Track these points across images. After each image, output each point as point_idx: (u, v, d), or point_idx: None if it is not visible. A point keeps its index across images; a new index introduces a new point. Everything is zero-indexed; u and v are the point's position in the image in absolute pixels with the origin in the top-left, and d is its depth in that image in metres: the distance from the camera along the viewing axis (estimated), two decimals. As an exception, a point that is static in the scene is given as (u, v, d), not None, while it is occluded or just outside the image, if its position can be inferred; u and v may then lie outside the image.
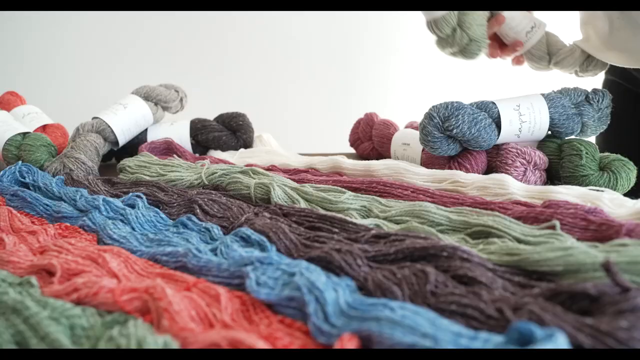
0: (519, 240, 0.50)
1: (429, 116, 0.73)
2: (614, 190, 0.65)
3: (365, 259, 0.48)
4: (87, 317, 0.41)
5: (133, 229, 0.60)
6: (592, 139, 0.81)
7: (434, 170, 0.69)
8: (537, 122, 0.74)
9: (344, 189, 0.65)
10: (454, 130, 0.71)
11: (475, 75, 1.49)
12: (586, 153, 0.72)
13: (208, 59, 1.70)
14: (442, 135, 0.73)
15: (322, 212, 0.57)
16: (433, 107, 0.74)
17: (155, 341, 0.35)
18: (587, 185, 0.69)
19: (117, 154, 0.96)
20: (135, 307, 0.42)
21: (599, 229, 0.50)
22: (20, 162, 0.76)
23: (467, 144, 0.73)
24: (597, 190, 0.60)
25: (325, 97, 1.32)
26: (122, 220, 0.61)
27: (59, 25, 1.62)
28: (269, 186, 0.65)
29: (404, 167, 0.71)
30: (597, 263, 0.41)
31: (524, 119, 0.73)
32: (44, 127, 0.95)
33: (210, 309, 0.41)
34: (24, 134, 0.85)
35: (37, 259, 0.51)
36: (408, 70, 1.54)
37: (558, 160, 0.74)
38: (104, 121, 0.86)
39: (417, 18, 0.89)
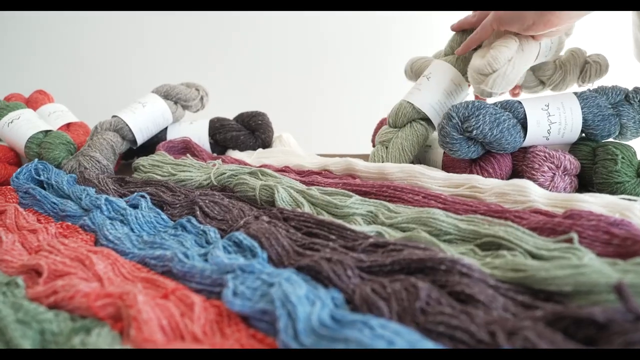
0: (532, 254, 0.45)
1: (447, 116, 0.69)
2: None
3: (357, 269, 0.44)
4: (59, 322, 0.40)
5: (132, 229, 0.58)
6: (633, 143, 0.74)
7: (450, 174, 0.65)
8: (569, 123, 0.68)
9: (351, 193, 0.61)
10: (474, 132, 0.66)
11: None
12: (622, 158, 0.65)
13: (236, 58, 1.70)
14: (461, 136, 0.68)
15: (321, 217, 0.54)
16: (453, 106, 0.69)
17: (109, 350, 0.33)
18: (621, 193, 0.63)
19: (139, 152, 0.96)
20: (108, 314, 0.40)
21: (622, 244, 0.45)
22: (36, 159, 0.77)
23: (490, 147, 0.68)
24: (630, 200, 0.54)
25: (349, 96, 1.29)
26: (121, 221, 0.60)
27: (91, 25, 1.66)
28: (274, 188, 0.63)
29: (419, 170, 0.66)
30: (611, 284, 0.36)
31: (554, 119, 0.68)
32: (68, 126, 0.96)
33: (183, 319, 0.39)
34: (46, 131, 0.86)
35: (27, 259, 0.50)
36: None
37: (591, 165, 0.68)
38: (122, 120, 0.86)
39: (446, 18, 0.85)
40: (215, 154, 0.91)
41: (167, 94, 0.92)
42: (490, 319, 0.36)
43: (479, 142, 0.68)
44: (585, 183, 0.71)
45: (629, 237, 0.44)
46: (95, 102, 1.38)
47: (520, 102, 0.69)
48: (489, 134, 0.66)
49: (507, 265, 0.42)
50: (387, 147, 0.77)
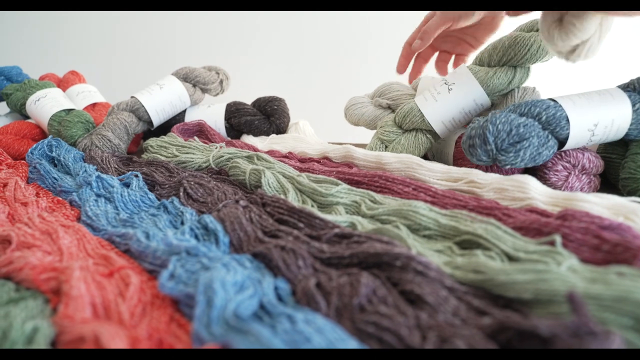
0: (509, 255, 0.41)
1: (483, 136, 0.57)
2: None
3: (314, 259, 0.42)
4: (1, 293, 0.40)
5: (116, 207, 0.59)
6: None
7: (450, 167, 0.60)
8: (609, 138, 0.60)
9: (338, 181, 0.58)
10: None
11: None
12: None
13: (261, 43, 1.70)
14: (489, 160, 0.59)
15: (293, 204, 0.52)
16: (492, 123, 0.56)
17: (23, 327, 0.33)
18: (647, 193, 0.56)
19: (157, 134, 0.97)
20: (50, 287, 0.40)
21: (613, 250, 0.39)
22: (51, 136, 0.79)
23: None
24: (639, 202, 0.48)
25: (374, 85, 1.24)
26: (108, 199, 0.60)
27: (131, 12, 1.71)
28: (261, 173, 0.61)
29: (417, 162, 0.62)
30: (566, 294, 0.31)
31: (595, 138, 0.59)
32: (93, 106, 0.98)
33: (117, 299, 0.38)
34: (69, 110, 0.89)
35: (2, 230, 0.51)
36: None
37: (620, 160, 0.61)
38: (139, 100, 0.87)
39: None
40: (229, 138, 0.90)
41: (187, 77, 0.92)
42: (432, 323, 0.33)
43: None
44: (613, 182, 0.64)
45: (620, 243, 0.39)
46: (131, 84, 1.41)
47: (568, 122, 0.57)
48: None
49: (469, 266, 0.38)
50: (386, 147, 0.73)
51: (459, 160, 0.70)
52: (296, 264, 0.41)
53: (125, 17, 1.74)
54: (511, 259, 0.41)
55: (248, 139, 0.89)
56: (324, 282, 0.38)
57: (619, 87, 0.61)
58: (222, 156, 0.70)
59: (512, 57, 0.64)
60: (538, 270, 0.34)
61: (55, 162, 0.76)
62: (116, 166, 0.72)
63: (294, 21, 1.68)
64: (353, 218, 0.50)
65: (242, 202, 0.55)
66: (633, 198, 0.49)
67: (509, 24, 0.71)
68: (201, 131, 0.89)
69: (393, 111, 0.79)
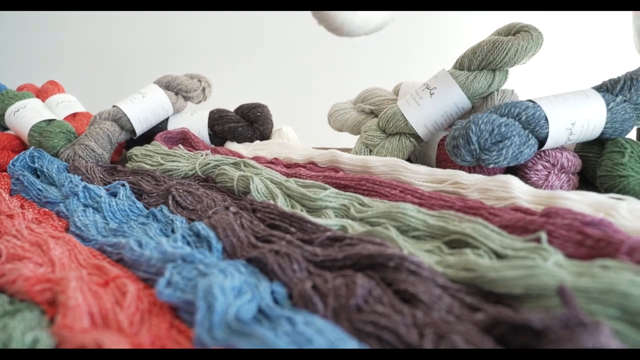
0: (497, 253, 0.42)
1: (466, 136, 0.59)
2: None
3: (308, 263, 0.42)
4: (-4, 306, 0.39)
5: (105, 217, 0.58)
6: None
7: (434, 169, 0.61)
8: (585, 137, 0.62)
9: (326, 185, 0.59)
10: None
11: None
12: (631, 152, 0.60)
13: (243, 50, 1.70)
14: (472, 160, 0.61)
15: (284, 209, 0.52)
16: (475, 123, 0.58)
17: (23, 339, 0.33)
18: (623, 188, 0.58)
19: (141, 142, 0.96)
20: (45, 299, 0.40)
21: (596, 245, 0.41)
22: (32, 147, 0.78)
23: None
24: (618, 199, 0.50)
25: (355, 91, 1.26)
26: (96, 209, 0.60)
27: (107, 19, 1.70)
28: (249, 179, 0.61)
29: (402, 165, 0.63)
30: (556, 288, 0.33)
31: (573, 137, 0.61)
32: (74, 115, 0.98)
33: (114, 308, 0.38)
34: (49, 121, 0.88)
35: (-10, 243, 0.51)
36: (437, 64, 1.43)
37: (597, 159, 0.63)
38: (121, 109, 0.86)
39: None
40: (213, 145, 0.90)
41: (169, 85, 0.92)
42: (427, 320, 0.34)
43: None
44: (591, 180, 0.66)
45: (603, 238, 0.40)
46: (110, 93, 1.40)
47: (547, 121, 0.60)
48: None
49: (460, 265, 0.39)
50: (370, 151, 0.74)
51: (442, 162, 0.72)
52: (291, 268, 0.41)
53: (103, 24, 1.72)
54: (499, 256, 0.42)
55: (232, 145, 0.90)
56: (319, 285, 0.39)
57: (593, 88, 0.63)
58: (209, 163, 0.70)
59: (492, 61, 0.66)
60: (527, 266, 0.35)
61: (38, 173, 0.75)
62: (101, 176, 0.72)
63: (274, 27, 1.69)
64: (343, 221, 0.51)
65: (232, 209, 0.55)
66: (611, 195, 0.51)
67: (486, 28, 0.73)
68: (185, 139, 0.89)
69: (376, 116, 0.80)
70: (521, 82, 0.73)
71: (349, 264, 0.42)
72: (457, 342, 0.30)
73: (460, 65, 0.69)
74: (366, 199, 0.56)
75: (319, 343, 0.31)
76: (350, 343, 0.31)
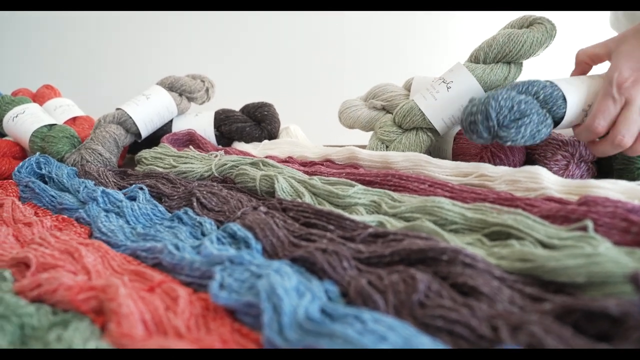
0: (542, 243, 0.42)
1: (485, 112, 0.57)
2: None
3: (354, 260, 0.42)
4: (39, 317, 0.38)
5: (128, 222, 0.57)
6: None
7: (458, 162, 0.61)
8: None
9: (353, 182, 0.59)
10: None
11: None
12: None
13: (243, 49, 1.68)
14: (489, 137, 0.59)
15: (319, 207, 0.52)
16: (494, 99, 0.57)
17: (83, 347, 0.31)
18: (642, 179, 0.59)
19: (145, 146, 0.94)
20: (91, 307, 0.38)
21: (642, 232, 0.41)
22: (38, 153, 0.76)
23: None
24: (649, 186, 0.51)
25: (358, 88, 1.26)
26: (117, 213, 0.58)
27: (99, 20, 1.66)
28: (274, 178, 0.61)
29: (425, 159, 0.63)
30: (627, 274, 0.33)
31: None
32: (74, 120, 0.95)
33: (167, 313, 0.37)
34: (51, 125, 0.86)
35: (17, 252, 0.49)
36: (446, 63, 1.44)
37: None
38: (126, 112, 0.84)
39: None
40: (220, 146, 0.89)
41: (172, 86, 0.90)
42: (494, 312, 0.33)
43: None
44: (605, 169, 0.67)
45: (649, 224, 0.41)
46: (105, 96, 1.37)
47: (565, 101, 0.60)
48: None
49: (514, 256, 0.39)
50: (387, 147, 0.74)
51: (459, 156, 0.72)
52: (341, 266, 0.41)
53: (95, 25, 1.68)
54: (545, 246, 0.42)
55: (240, 146, 0.89)
56: (374, 282, 0.38)
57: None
58: (226, 164, 0.69)
59: (507, 54, 0.66)
60: (588, 254, 0.35)
61: (46, 179, 0.73)
62: (114, 180, 0.70)
63: (270, 25, 1.68)
64: (379, 217, 0.51)
65: (262, 209, 0.54)
66: (641, 182, 0.52)
67: (498, 22, 0.74)
68: (191, 140, 0.87)
69: (388, 112, 0.80)
70: (532, 74, 0.74)
71: (396, 260, 0.42)
72: (537, 332, 0.30)
73: (475, 59, 0.69)
74: (395, 195, 0.56)
75: (394, 340, 0.30)
76: (423, 339, 0.31)
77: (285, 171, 0.64)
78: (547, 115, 0.60)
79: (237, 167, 0.68)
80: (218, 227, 0.54)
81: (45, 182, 0.72)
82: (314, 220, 0.50)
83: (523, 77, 0.72)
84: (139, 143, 0.93)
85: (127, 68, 1.68)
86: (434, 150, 0.77)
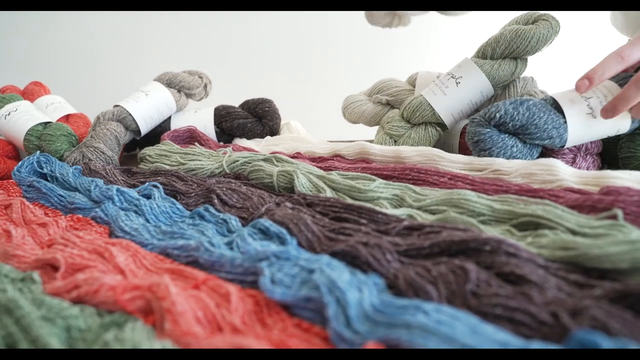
0: (574, 232, 0.43)
1: (470, 122, 0.64)
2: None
3: (395, 253, 0.42)
4: (85, 318, 0.37)
5: (147, 220, 0.56)
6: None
7: (471, 157, 0.63)
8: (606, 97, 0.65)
9: (373, 177, 0.59)
10: (497, 115, 0.60)
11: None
12: None
13: (232, 45, 1.67)
14: (489, 129, 0.62)
15: (349, 201, 0.52)
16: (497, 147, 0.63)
17: (150, 347, 0.31)
18: (648, 168, 0.62)
19: (141, 143, 0.93)
20: (137, 307, 0.38)
21: (669, 220, 0.43)
22: (38, 152, 0.74)
23: (527, 133, 0.62)
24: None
25: (352, 83, 1.27)
26: (135, 212, 0.57)
27: (84, 17, 1.61)
28: (293, 174, 0.60)
29: (437, 154, 0.64)
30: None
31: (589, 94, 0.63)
32: (67, 117, 0.92)
33: (219, 310, 0.36)
34: (46, 123, 0.83)
35: (42, 253, 0.47)
36: (442, 59, 1.46)
37: (616, 142, 0.66)
38: (125, 109, 0.82)
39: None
40: (221, 143, 0.88)
41: (170, 82, 0.89)
42: (548, 299, 0.34)
43: (512, 132, 0.62)
44: (608, 161, 0.69)
45: (676, 212, 0.43)
46: (90, 93, 1.34)
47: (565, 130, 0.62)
48: (515, 113, 0.60)
49: (555, 244, 0.40)
50: (395, 142, 0.75)
51: (467, 150, 0.73)
52: (385, 259, 0.41)
53: (80, 23, 1.63)
54: (576, 235, 0.43)
55: (241, 142, 0.88)
56: (422, 273, 0.39)
57: None
58: (237, 160, 0.68)
59: (515, 49, 0.68)
60: (632, 241, 0.37)
61: (49, 178, 0.70)
62: (123, 178, 0.68)
63: (266, 22, 1.66)
64: (408, 211, 0.51)
65: (287, 204, 0.54)
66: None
67: (504, 17, 0.75)
68: (192, 137, 0.86)
69: (392, 107, 0.81)
70: (534, 70, 0.76)
71: (436, 252, 0.42)
72: (599, 315, 0.31)
73: (483, 54, 0.70)
74: (417, 188, 0.56)
75: (461, 330, 0.30)
76: (487, 327, 0.31)
77: (301, 167, 0.64)
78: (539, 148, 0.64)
79: (250, 163, 0.68)
80: (242, 224, 0.53)
81: (48, 182, 0.70)
82: (345, 214, 0.50)
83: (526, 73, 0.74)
84: (136, 141, 0.91)
85: (116, 65, 1.64)
86: (440, 145, 0.79)
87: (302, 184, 0.60)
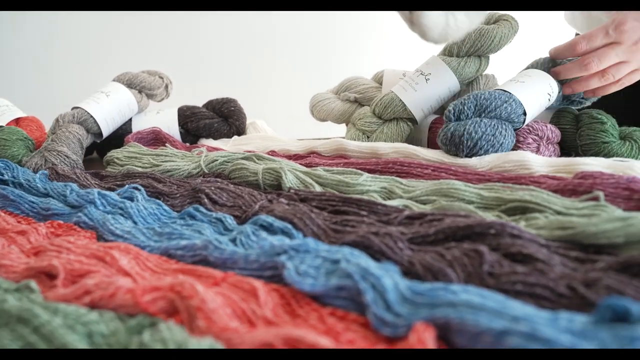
0: (561, 214, 0.47)
1: (458, 145, 0.65)
2: (636, 160, 0.63)
3: (405, 241, 0.44)
4: (106, 323, 0.35)
5: (135, 222, 0.54)
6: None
7: (442, 153, 0.66)
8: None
9: (360, 171, 0.61)
10: (458, 105, 0.65)
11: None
12: (607, 120, 0.69)
13: (186, 45, 1.63)
14: (457, 121, 0.66)
15: (345, 195, 0.53)
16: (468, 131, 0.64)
17: (199, 344, 0.30)
18: (607, 153, 0.67)
19: (99, 147, 0.89)
20: (160, 308, 0.37)
21: (643, 198, 0.48)
22: (-4, 157, 0.69)
23: (489, 110, 0.65)
24: (623, 161, 0.58)
25: (315, 80, 1.28)
26: (121, 215, 0.55)
27: (21, 17, 1.52)
28: (280, 171, 0.61)
29: (413, 150, 0.67)
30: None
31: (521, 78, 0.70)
32: (16, 121, 0.87)
33: (249, 305, 0.36)
34: (-3, 128, 0.78)
35: (34, 261, 0.45)
36: (403, 59, 1.50)
37: (575, 130, 0.72)
38: (86, 111, 0.79)
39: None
40: (187, 144, 0.86)
41: (131, 83, 0.86)
42: (558, 274, 0.37)
43: (474, 115, 0.66)
44: (566, 150, 0.74)
45: (648, 191, 0.47)
46: (38, 96, 1.26)
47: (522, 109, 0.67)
48: (462, 101, 0.65)
49: (552, 225, 0.44)
50: (368, 137, 0.77)
51: (435, 145, 0.76)
52: (397, 247, 0.43)
53: (21, 19, 1.52)
54: (565, 216, 0.47)
55: (208, 143, 0.86)
56: (436, 258, 0.40)
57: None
58: (216, 160, 0.68)
59: (479, 48, 0.72)
60: (622, 218, 0.40)
61: (11, 185, 0.66)
62: (95, 182, 0.65)
63: (219, 23, 1.63)
64: (403, 202, 0.53)
65: (283, 200, 0.55)
66: (616, 158, 0.59)
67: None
68: (157, 139, 0.84)
69: (360, 104, 0.83)
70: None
71: (441, 238, 0.44)
72: (613, 284, 0.34)
73: (449, 52, 0.74)
74: (404, 181, 0.58)
75: (491, 305, 0.32)
76: (514, 303, 0.33)
77: (283, 164, 0.64)
78: (510, 128, 0.67)
79: (230, 162, 0.67)
80: (237, 223, 0.53)
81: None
82: (344, 207, 0.51)
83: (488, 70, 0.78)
84: (93, 144, 0.87)
85: (64, 67, 1.54)
86: (410, 141, 0.81)
87: (290, 181, 0.60)
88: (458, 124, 0.64)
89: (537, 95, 0.68)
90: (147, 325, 0.35)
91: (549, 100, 0.69)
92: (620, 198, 0.48)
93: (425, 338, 0.29)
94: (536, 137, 0.71)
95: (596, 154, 0.68)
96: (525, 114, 0.66)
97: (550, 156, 0.71)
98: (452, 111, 0.65)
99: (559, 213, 0.47)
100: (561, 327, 0.27)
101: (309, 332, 0.30)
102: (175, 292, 0.37)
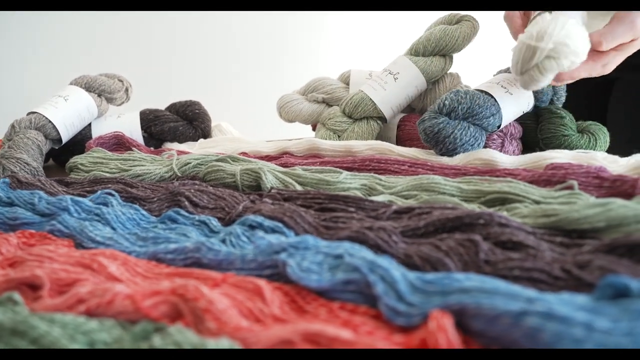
0: (540, 204, 0.49)
1: (439, 142, 0.66)
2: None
3: (399, 234, 0.45)
4: (108, 331, 0.34)
5: (113, 228, 0.52)
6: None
7: (416, 150, 0.67)
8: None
9: (338, 169, 0.61)
10: (445, 101, 0.65)
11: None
12: (566, 114, 0.73)
13: (142, 46, 1.58)
14: (444, 117, 0.65)
15: (331, 192, 0.53)
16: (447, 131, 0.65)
17: (218, 345, 0.30)
18: (567, 145, 0.71)
19: (55, 154, 0.85)
20: (162, 313, 0.36)
21: (613, 186, 0.51)
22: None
23: (474, 114, 0.66)
24: (586, 152, 0.62)
25: (277, 82, 1.27)
26: (98, 221, 0.53)
27: None
28: (259, 172, 0.60)
29: (388, 147, 0.68)
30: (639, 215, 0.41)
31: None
32: (-37, 128, 0.81)
33: (255, 304, 0.36)
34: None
35: (13, 272, 0.42)
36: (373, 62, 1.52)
37: (535, 125, 0.75)
38: (44, 116, 0.75)
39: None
40: (152, 148, 0.84)
41: (89, 86, 0.82)
42: (548, 259, 0.39)
43: (462, 117, 0.66)
44: (529, 145, 0.78)
45: (617, 178, 0.50)
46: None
47: (499, 113, 0.68)
48: (458, 98, 0.65)
49: (536, 213, 0.46)
50: (339, 136, 0.77)
51: (406, 141, 0.78)
52: (392, 240, 0.43)
53: None
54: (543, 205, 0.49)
55: (173, 147, 0.84)
56: (432, 249, 0.41)
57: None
58: (189, 162, 0.66)
59: (444, 47, 0.74)
60: (602, 204, 0.43)
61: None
62: (63, 189, 0.62)
63: (172, 22, 1.58)
64: (386, 197, 0.54)
65: (267, 200, 0.54)
66: (579, 150, 0.63)
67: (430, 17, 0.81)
68: (120, 143, 0.81)
69: (328, 105, 0.83)
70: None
71: (431, 230, 0.46)
72: (605, 264, 0.36)
73: (415, 52, 0.76)
74: (383, 177, 0.59)
75: (503, 289, 0.33)
76: (515, 286, 0.34)
77: (260, 164, 0.64)
78: (485, 135, 0.69)
79: (204, 164, 0.66)
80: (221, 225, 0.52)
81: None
82: (331, 204, 0.52)
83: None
84: (52, 151, 0.83)
85: (12, 68, 1.44)
86: (379, 138, 0.83)
87: (270, 181, 0.60)
88: (447, 123, 0.64)
89: (517, 112, 0.71)
90: (152, 331, 0.34)
91: (522, 112, 0.72)
92: (592, 186, 0.51)
93: (444, 324, 0.29)
94: (500, 134, 0.73)
95: (557, 147, 0.72)
96: (500, 126, 0.69)
97: (514, 151, 0.74)
98: (446, 106, 0.65)
99: (537, 202, 0.49)
100: (575, 305, 0.29)
101: (327, 325, 0.30)
102: (179, 295, 0.36)
